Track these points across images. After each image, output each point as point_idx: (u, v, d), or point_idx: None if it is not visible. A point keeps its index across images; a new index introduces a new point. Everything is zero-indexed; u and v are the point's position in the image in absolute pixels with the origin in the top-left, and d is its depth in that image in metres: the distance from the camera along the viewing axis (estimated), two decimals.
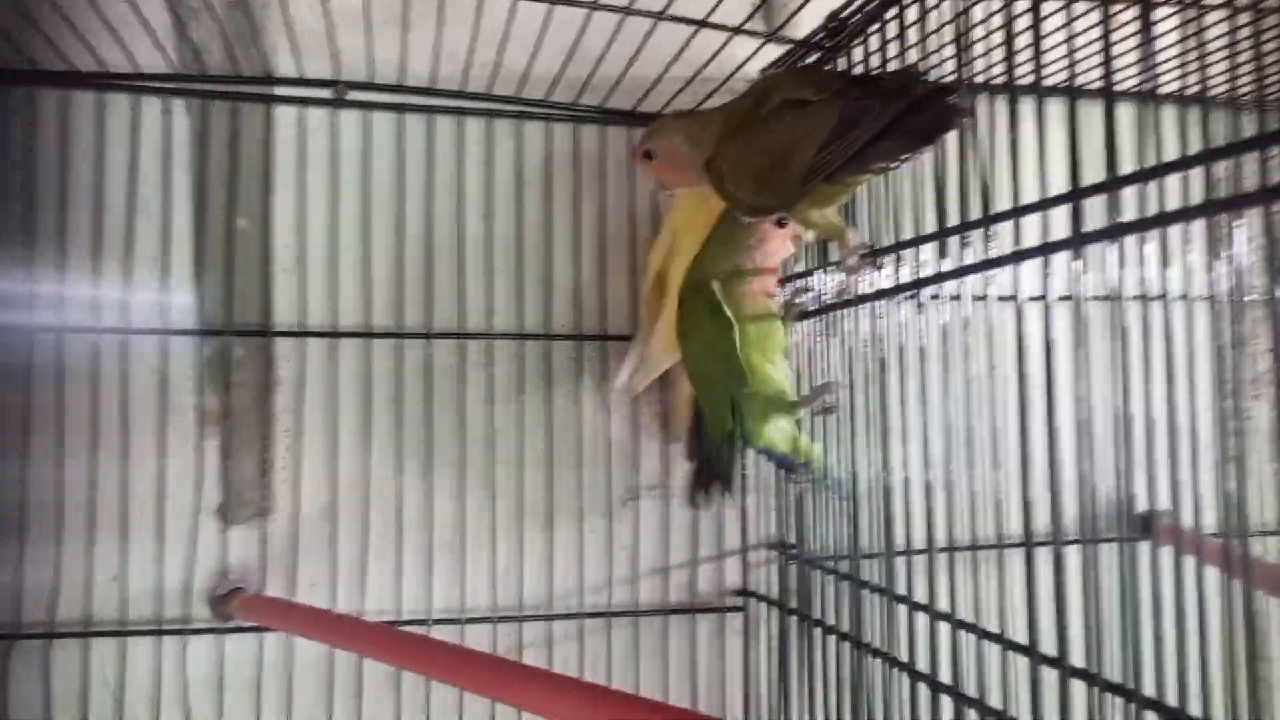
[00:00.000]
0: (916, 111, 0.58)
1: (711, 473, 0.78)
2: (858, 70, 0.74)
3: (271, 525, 0.84)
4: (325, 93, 0.86)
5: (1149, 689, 0.48)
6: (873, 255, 0.69)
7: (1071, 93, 0.49)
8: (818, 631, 0.79)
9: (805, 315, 0.81)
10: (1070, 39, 0.50)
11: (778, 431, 0.77)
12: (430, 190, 0.88)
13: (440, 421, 0.87)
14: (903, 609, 0.65)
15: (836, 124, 0.60)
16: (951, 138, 0.59)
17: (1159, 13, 0.45)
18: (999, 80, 0.56)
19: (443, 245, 0.89)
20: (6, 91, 0.80)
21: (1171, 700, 0.48)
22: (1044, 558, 0.52)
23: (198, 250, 0.83)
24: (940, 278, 0.60)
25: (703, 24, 0.74)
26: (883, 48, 0.69)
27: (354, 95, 0.86)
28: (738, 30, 0.75)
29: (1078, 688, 0.51)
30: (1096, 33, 0.48)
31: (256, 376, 0.85)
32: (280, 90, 0.85)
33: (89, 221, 0.81)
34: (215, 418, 0.84)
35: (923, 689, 0.62)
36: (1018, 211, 0.53)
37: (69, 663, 0.79)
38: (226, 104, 0.84)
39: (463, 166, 0.89)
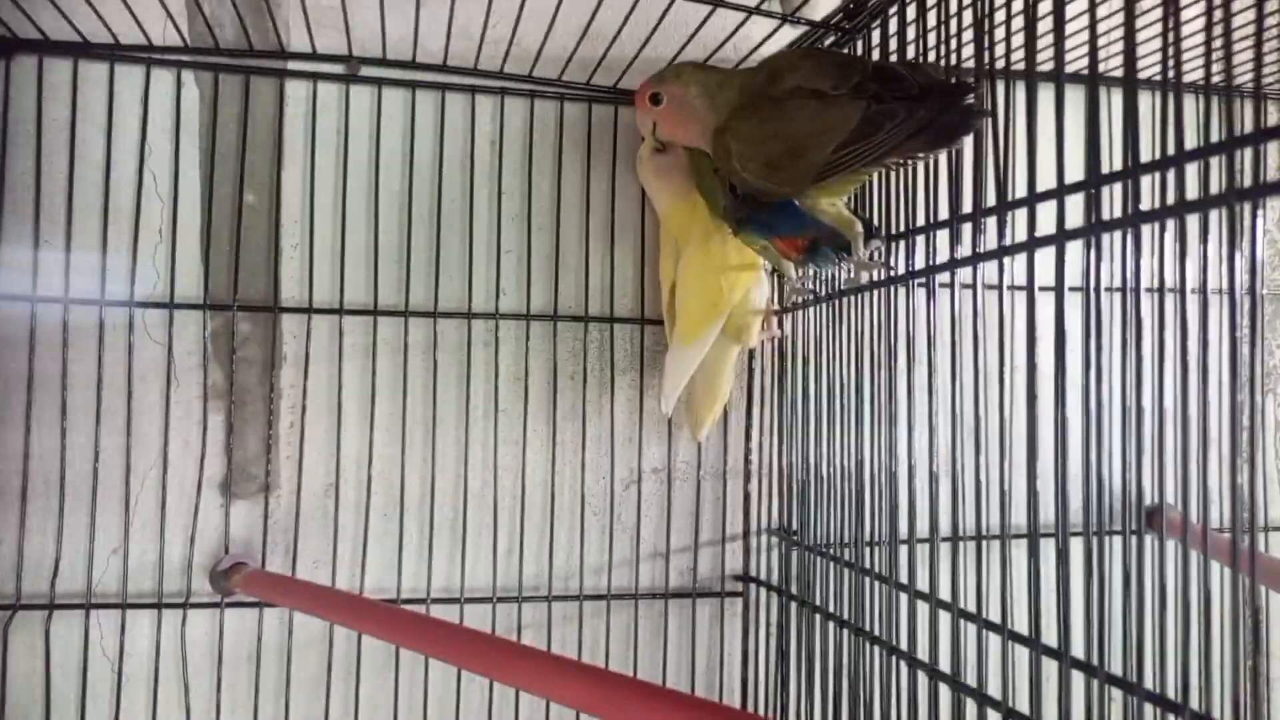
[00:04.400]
0: (938, 111, 0.57)
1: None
2: (876, 53, 0.73)
3: (274, 501, 0.84)
4: (337, 68, 0.86)
5: (1150, 682, 0.48)
6: (885, 252, 0.69)
7: (1092, 79, 0.49)
8: (818, 618, 0.79)
9: (815, 300, 0.81)
10: (1093, 25, 0.49)
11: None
12: (439, 168, 0.88)
13: (444, 401, 0.87)
14: (904, 597, 0.65)
15: (857, 124, 0.60)
16: None
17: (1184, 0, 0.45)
18: (1018, 66, 0.55)
19: (451, 224, 0.88)
20: (16, 61, 0.79)
21: (1173, 694, 0.47)
22: (1048, 549, 0.52)
23: (205, 224, 0.83)
24: (953, 264, 0.59)
25: (719, 3, 0.73)
26: (901, 31, 0.68)
27: (366, 71, 0.86)
28: (754, 11, 0.75)
29: (1078, 679, 0.51)
30: (1119, 19, 0.48)
31: (262, 352, 0.84)
32: (293, 65, 0.85)
33: (98, 193, 0.81)
34: (220, 392, 0.83)
35: (922, 677, 0.62)
36: (1033, 199, 0.53)
37: (69, 634, 0.79)
38: (238, 77, 0.84)
39: (473, 145, 0.89)
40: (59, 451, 0.79)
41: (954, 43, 0.64)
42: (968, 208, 0.58)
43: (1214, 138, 0.45)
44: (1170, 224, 0.47)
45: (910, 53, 0.69)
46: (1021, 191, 0.54)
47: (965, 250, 0.58)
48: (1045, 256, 0.52)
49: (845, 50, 0.79)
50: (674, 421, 0.92)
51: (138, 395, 0.81)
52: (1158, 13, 0.52)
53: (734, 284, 0.82)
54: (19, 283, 0.79)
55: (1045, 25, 0.52)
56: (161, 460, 0.82)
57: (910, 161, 0.63)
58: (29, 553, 0.79)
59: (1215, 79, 0.46)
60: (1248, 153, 0.43)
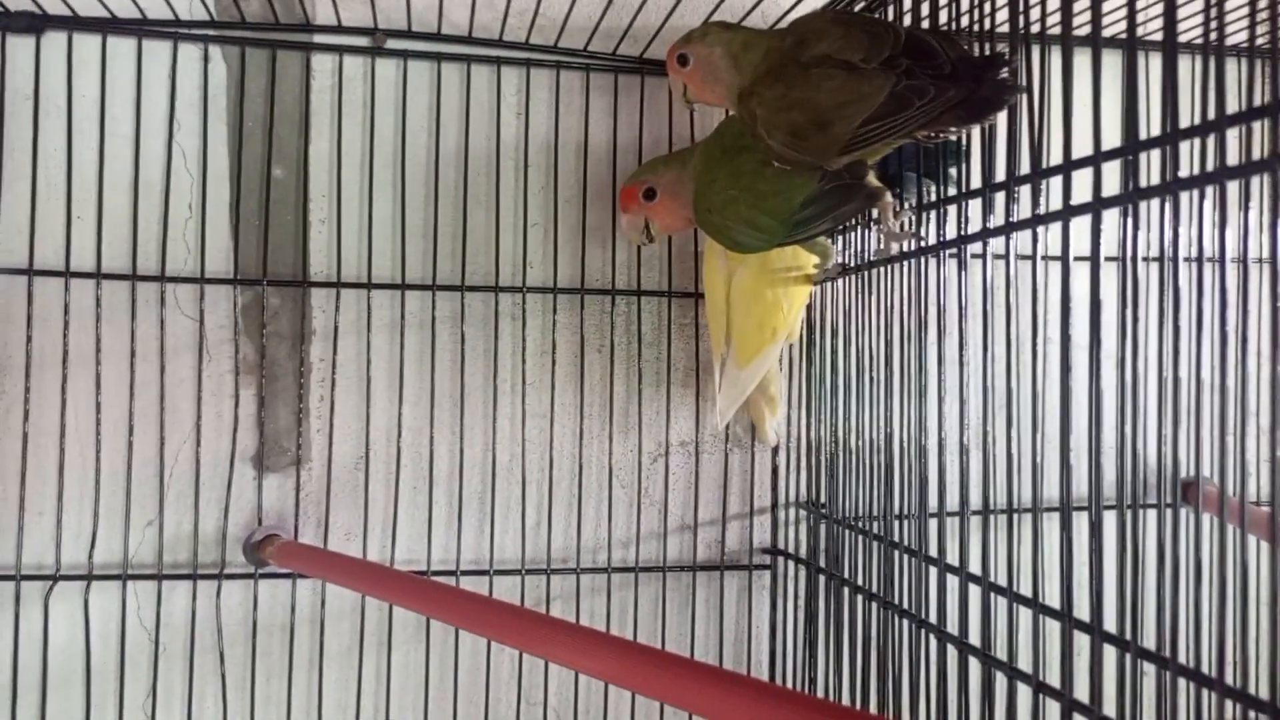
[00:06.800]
0: (970, 89, 0.56)
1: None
2: (907, 19, 0.72)
3: (305, 473, 0.85)
4: (363, 41, 0.85)
5: (1184, 657, 0.47)
6: (915, 222, 0.68)
7: (1130, 43, 0.47)
8: (846, 591, 0.78)
9: (844, 272, 0.80)
10: None
11: None
12: (465, 140, 0.87)
13: (471, 374, 0.87)
14: (934, 571, 0.64)
15: (885, 100, 0.58)
16: None
17: None
18: (1054, 30, 0.54)
19: (477, 197, 0.88)
20: (46, 37, 0.80)
21: (1207, 670, 0.47)
22: (1081, 523, 0.51)
23: (234, 199, 0.84)
24: (985, 234, 0.58)
25: None
26: None
27: (391, 44, 0.86)
28: None
29: (1110, 654, 0.50)
30: None
31: (291, 326, 0.85)
32: (318, 38, 0.85)
33: (127, 168, 0.81)
34: (251, 366, 0.84)
35: (951, 651, 0.62)
36: (1069, 166, 0.52)
37: (107, 604, 0.81)
38: (264, 51, 0.84)
39: (499, 116, 0.88)
40: (94, 425, 0.80)
41: (988, 7, 0.62)
42: (1001, 175, 0.57)
43: (1257, 101, 0.44)
44: (1210, 191, 0.46)
45: (943, 18, 0.68)
46: (1057, 159, 0.53)
47: (998, 220, 0.57)
48: (1080, 225, 0.51)
49: (875, 14, 0.77)
50: (702, 394, 0.92)
51: (170, 370, 0.82)
52: None
53: (791, 304, 0.82)
54: (52, 258, 0.80)
55: None
56: (195, 434, 0.83)
57: (942, 134, 0.62)
58: (67, 524, 0.80)
59: (1260, 41, 0.45)
60: None
